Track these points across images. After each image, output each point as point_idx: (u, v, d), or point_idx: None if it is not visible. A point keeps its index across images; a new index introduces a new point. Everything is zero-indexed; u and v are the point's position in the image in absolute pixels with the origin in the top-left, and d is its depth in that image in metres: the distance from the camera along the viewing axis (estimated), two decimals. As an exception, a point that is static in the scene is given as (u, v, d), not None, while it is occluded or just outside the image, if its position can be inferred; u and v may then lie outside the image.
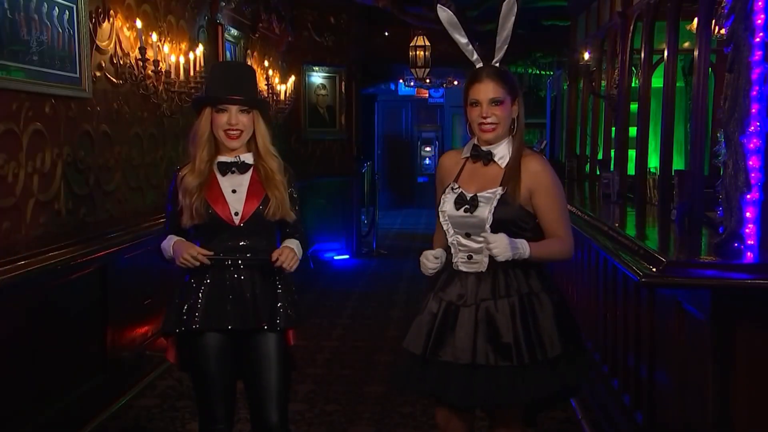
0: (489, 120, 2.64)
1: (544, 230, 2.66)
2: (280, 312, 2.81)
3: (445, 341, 2.65)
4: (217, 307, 2.77)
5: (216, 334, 2.77)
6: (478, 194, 2.66)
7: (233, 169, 2.83)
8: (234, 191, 2.81)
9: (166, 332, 2.87)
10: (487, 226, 2.61)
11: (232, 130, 2.78)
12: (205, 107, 2.81)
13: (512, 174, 2.64)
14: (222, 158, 2.84)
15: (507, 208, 2.62)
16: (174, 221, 2.84)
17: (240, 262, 2.79)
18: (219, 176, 2.82)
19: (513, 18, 2.69)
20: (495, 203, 2.62)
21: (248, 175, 2.84)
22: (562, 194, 2.71)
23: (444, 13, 2.74)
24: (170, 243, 2.79)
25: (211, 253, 2.75)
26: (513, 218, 2.62)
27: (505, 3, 2.68)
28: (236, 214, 2.78)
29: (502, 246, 2.51)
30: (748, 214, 2.88)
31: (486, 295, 2.63)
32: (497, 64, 2.71)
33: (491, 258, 2.58)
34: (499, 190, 2.64)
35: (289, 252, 2.77)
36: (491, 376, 2.59)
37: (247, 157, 2.86)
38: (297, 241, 2.88)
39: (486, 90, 2.64)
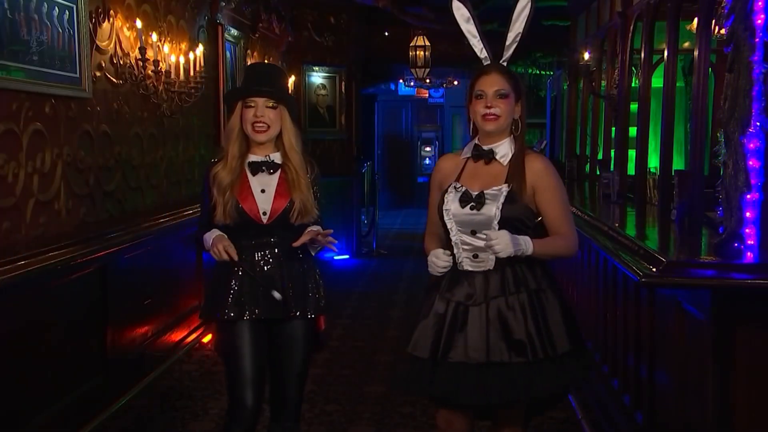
0: (492, 111, 2.66)
1: (548, 228, 2.68)
2: (311, 301, 2.96)
3: (454, 342, 2.64)
4: (249, 297, 2.89)
5: (250, 323, 2.90)
6: (484, 191, 2.66)
7: (263, 168, 2.94)
8: (263, 191, 2.93)
9: (203, 319, 3.04)
10: (495, 222, 2.61)
11: (259, 123, 2.89)
12: (236, 103, 2.94)
13: (517, 171, 2.66)
14: (253, 157, 2.96)
15: (514, 205, 2.63)
16: (208, 214, 2.96)
17: (261, 254, 2.93)
18: (249, 175, 2.94)
19: (525, 18, 2.74)
20: (503, 199, 2.63)
21: (277, 175, 2.95)
22: (565, 193, 2.73)
23: (458, 8, 2.77)
24: (212, 236, 2.90)
25: (236, 258, 2.86)
26: (519, 215, 2.63)
27: (519, 2, 2.72)
28: (264, 213, 2.91)
29: (504, 242, 2.52)
30: (748, 214, 2.88)
31: (496, 292, 2.63)
32: (505, 63, 2.75)
33: (497, 256, 2.59)
34: (505, 187, 2.65)
35: (310, 233, 2.93)
36: (505, 373, 2.59)
37: (276, 157, 2.97)
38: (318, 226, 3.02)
39: (492, 82, 2.68)
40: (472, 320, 2.63)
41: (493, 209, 2.63)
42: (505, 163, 2.70)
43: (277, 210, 2.90)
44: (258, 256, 2.92)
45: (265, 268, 2.92)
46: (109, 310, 4.35)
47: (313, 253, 3.01)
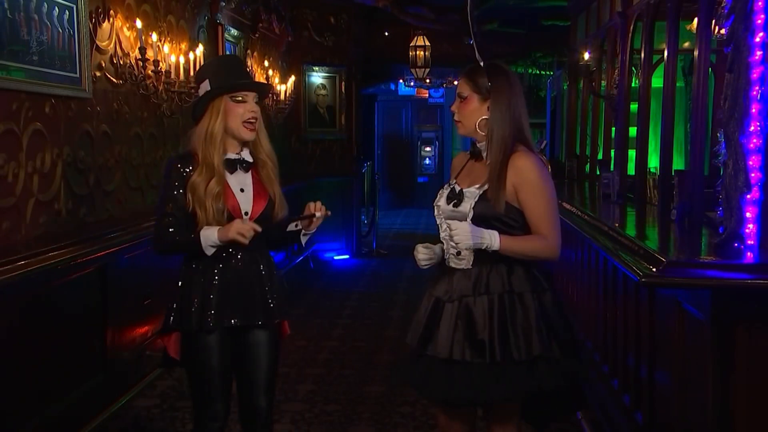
0: (455, 116, 2.77)
1: (530, 227, 2.67)
2: (276, 306, 2.86)
3: (430, 336, 2.70)
4: (227, 305, 2.79)
5: (218, 331, 2.79)
6: (464, 189, 2.70)
7: (237, 166, 2.83)
8: (242, 190, 2.82)
9: (174, 328, 2.83)
10: (468, 220, 2.63)
11: (252, 120, 2.78)
12: (215, 100, 2.76)
13: (495, 171, 2.66)
14: (228, 155, 2.82)
15: (487, 204, 2.64)
16: (180, 206, 2.75)
17: (235, 256, 2.81)
18: (227, 174, 2.80)
19: (470, 18, 2.78)
20: (476, 198, 2.65)
21: (250, 173, 2.86)
22: (550, 192, 2.68)
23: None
24: (214, 232, 2.70)
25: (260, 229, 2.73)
26: (495, 214, 2.63)
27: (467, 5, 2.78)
28: (246, 213, 2.81)
29: (463, 234, 2.54)
30: (748, 214, 2.88)
31: (467, 291, 2.66)
32: (482, 63, 2.75)
33: (476, 254, 2.63)
34: (483, 186, 2.67)
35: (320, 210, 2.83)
36: (466, 373, 2.61)
37: (246, 154, 2.86)
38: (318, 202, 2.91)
39: (458, 85, 2.78)
40: (445, 317, 2.68)
41: (467, 207, 2.66)
42: (487, 162, 2.71)
43: (258, 210, 2.81)
44: (233, 260, 2.80)
45: (242, 270, 2.80)
46: (109, 310, 4.35)
47: (304, 240, 2.88)
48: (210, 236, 2.72)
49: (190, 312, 2.78)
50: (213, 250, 2.73)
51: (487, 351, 2.59)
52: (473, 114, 2.72)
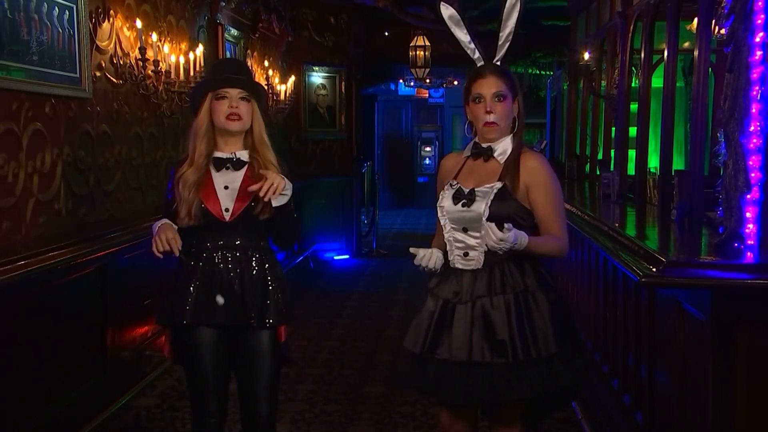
0: (492, 118, 2.65)
1: (539, 227, 2.66)
2: (271, 308, 2.82)
3: (441, 339, 2.65)
4: (206, 302, 2.79)
5: (208, 329, 2.80)
6: (475, 188, 2.67)
7: (228, 165, 2.84)
8: (226, 187, 2.82)
9: (160, 324, 2.94)
10: (484, 219, 2.60)
11: (233, 114, 2.79)
12: (205, 99, 2.82)
13: (510, 169, 2.65)
14: (218, 154, 2.85)
15: (504, 203, 2.62)
16: (169, 209, 2.87)
17: (221, 255, 2.81)
18: (213, 172, 2.84)
19: (516, 16, 2.71)
20: (492, 197, 2.63)
21: (242, 172, 2.85)
22: (560, 193, 2.71)
23: (447, 11, 2.76)
24: (158, 223, 2.77)
25: (177, 252, 2.71)
26: (510, 213, 2.62)
27: (508, 1, 2.69)
28: (227, 210, 2.81)
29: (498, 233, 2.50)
30: (748, 214, 2.88)
31: (482, 292, 2.63)
32: (498, 63, 2.72)
33: (486, 255, 2.60)
34: (497, 185, 2.65)
35: (272, 178, 2.72)
36: (486, 374, 2.59)
37: (243, 154, 2.87)
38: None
39: (489, 84, 2.66)
40: (458, 318, 2.64)
41: (482, 206, 2.63)
42: (502, 161, 2.70)
43: (239, 207, 2.79)
44: (218, 258, 2.81)
45: (225, 269, 2.80)
46: (109, 310, 4.35)
47: (275, 204, 2.79)
48: (154, 228, 2.77)
49: (170, 308, 2.83)
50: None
51: (508, 351, 2.56)
52: (510, 114, 2.69)
